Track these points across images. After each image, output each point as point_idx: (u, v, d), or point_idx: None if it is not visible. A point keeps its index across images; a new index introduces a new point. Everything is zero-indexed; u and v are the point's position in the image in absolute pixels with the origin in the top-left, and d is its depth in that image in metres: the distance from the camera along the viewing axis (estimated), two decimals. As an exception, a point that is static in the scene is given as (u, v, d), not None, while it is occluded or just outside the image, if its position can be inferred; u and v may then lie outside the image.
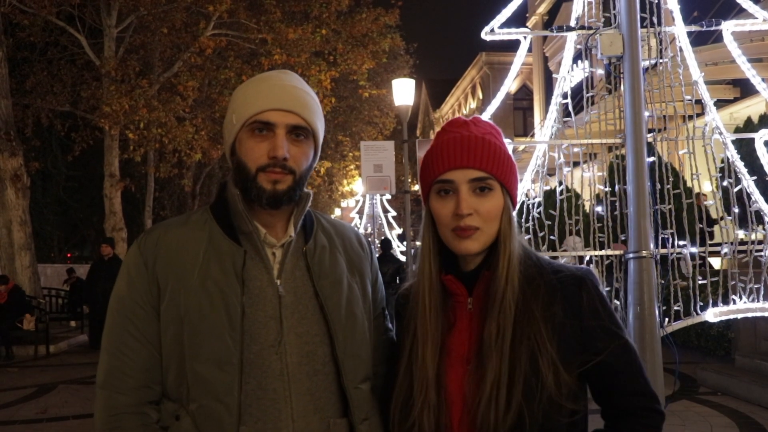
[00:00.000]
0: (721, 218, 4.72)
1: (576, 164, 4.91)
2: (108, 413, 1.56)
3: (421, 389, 1.56)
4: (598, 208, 4.58)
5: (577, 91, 4.76)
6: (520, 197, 4.54)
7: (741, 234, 4.64)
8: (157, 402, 1.59)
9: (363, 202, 28.43)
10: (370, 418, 1.66)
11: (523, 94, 32.44)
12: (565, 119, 4.79)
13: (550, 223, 4.57)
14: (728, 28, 4.68)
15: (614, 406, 1.57)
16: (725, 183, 4.55)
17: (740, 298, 4.51)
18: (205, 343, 1.53)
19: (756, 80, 4.75)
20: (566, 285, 1.54)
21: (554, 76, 4.93)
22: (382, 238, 18.18)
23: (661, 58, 4.40)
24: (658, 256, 4.03)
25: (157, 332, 1.59)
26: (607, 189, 4.61)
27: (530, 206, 4.71)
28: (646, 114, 3.81)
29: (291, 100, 1.61)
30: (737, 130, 10.63)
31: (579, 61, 4.86)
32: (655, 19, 4.34)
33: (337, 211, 30.99)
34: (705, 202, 4.84)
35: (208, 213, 1.68)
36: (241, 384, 1.52)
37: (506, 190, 1.59)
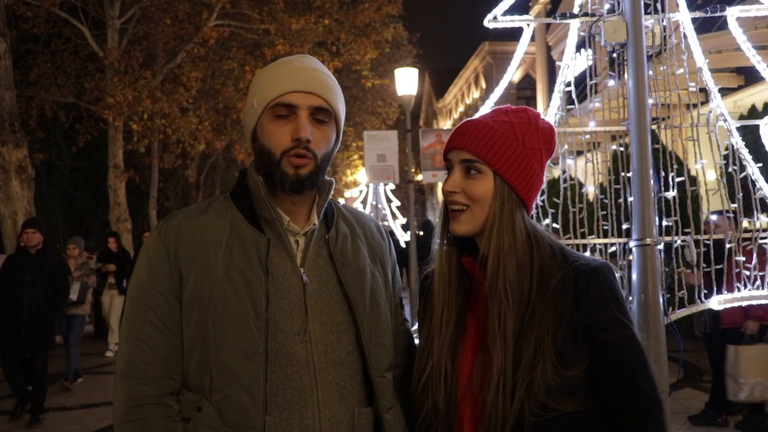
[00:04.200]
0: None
1: (579, 152, 4.90)
2: (129, 404, 1.53)
3: (431, 359, 1.60)
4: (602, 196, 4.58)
5: (580, 80, 4.75)
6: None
7: (745, 221, 4.63)
8: (177, 393, 1.57)
9: (367, 191, 28.40)
10: (394, 407, 1.65)
11: (527, 84, 32.33)
12: (569, 107, 4.78)
13: (553, 211, 4.57)
14: (733, 13, 4.66)
15: (613, 403, 1.50)
16: (730, 170, 4.54)
17: (745, 285, 4.51)
18: (230, 332, 1.50)
19: (761, 67, 4.73)
20: (578, 275, 1.53)
21: (557, 64, 4.92)
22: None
23: (665, 45, 4.39)
24: (662, 244, 4.03)
25: (178, 321, 1.56)
26: (610, 177, 4.60)
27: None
28: (650, 101, 3.79)
29: (313, 81, 1.60)
30: (741, 118, 10.59)
31: (582, 49, 4.84)
32: (659, 6, 4.32)
33: (341, 201, 30.97)
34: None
35: (228, 200, 1.67)
36: (266, 373, 1.50)
37: (501, 178, 1.57)
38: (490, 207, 1.57)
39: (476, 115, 1.71)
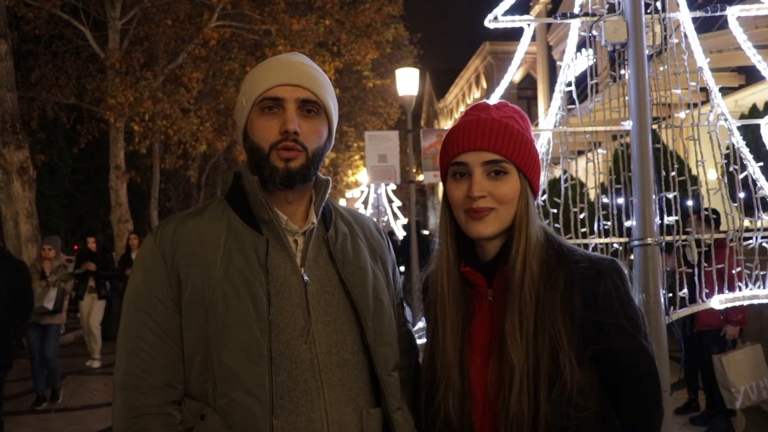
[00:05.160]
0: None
1: (580, 152, 4.90)
2: (130, 414, 1.48)
3: (443, 372, 1.56)
4: (604, 199, 4.58)
5: (581, 79, 4.75)
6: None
7: (746, 221, 4.62)
8: (179, 402, 1.52)
9: (368, 192, 28.41)
10: (402, 407, 1.62)
11: (528, 84, 32.30)
12: (570, 107, 4.78)
13: (555, 211, 4.57)
14: (734, 13, 4.65)
15: (619, 410, 1.55)
16: (731, 169, 4.54)
17: (746, 285, 4.50)
18: (232, 334, 1.47)
19: (761, 66, 4.72)
20: (585, 276, 1.50)
21: (558, 63, 4.92)
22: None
23: (665, 44, 4.38)
24: (663, 243, 4.02)
25: (177, 327, 1.52)
26: (611, 176, 4.60)
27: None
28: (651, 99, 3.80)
29: (299, 74, 1.58)
30: (742, 117, 10.58)
31: (583, 49, 4.84)
32: (659, 5, 4.32)
33: (342, 202, 31.00)
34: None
35: (224, 203, 1.64)
36: (271, 376, 1.47)
37: (524, 175, 1.56)
38: (516, 206, 1.55)
39: (458, 116, 1.67)
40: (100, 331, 10.52)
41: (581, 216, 4.47)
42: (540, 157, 4.71)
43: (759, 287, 4.51)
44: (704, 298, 4.43)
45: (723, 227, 4.74)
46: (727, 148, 4.61)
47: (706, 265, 4.36)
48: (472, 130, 1.56)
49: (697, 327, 6.21)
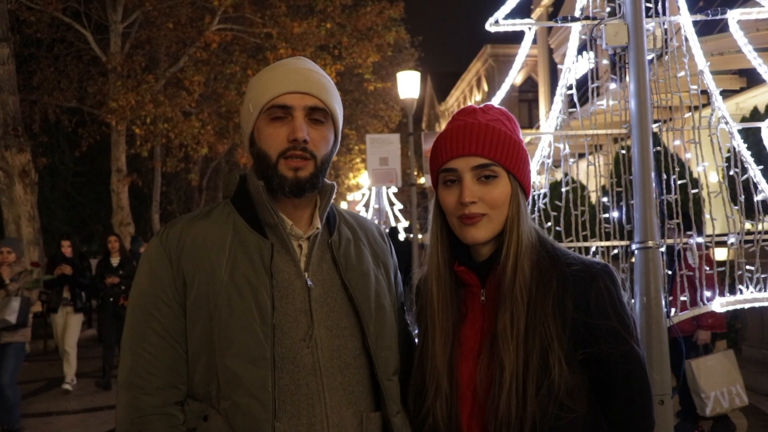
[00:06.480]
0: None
1: (581, 155, 4.90)
2: (133, 414, 1.51)
3: (432, 379, 1.57)
4: (605, 199, 4.58)
5: (582, 82, 4.75)
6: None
7: (747, 224, 4.62)
8: (182, 403, 1.54)
9: (369, 195, 28.42)
10: (402, 411, 1.63)
11: (529, 86, 32.32)
12: (571, 110, 4.78)
13: (555, 214, 4.57)
14: (734, 16, 4.66)
15: (611, 409, 1.55)
16: (731, 172, 4.54)
17: (747, 287, 4.50)
18: (236, 338, 1.48)
19: (762, 69, 4.72)
20: (577, 279, 1.51)
21: (559, 67, 4.92)
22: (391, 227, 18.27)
23: (666, 48, 4.39)
24: (664, 246, 4.02)
25: (182, 329, 1.54)
26: (612, 179, 4.60)
27: (536, 198, 4.71)
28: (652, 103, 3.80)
29: (307, 82, 1.58)
30: (743, 120, 10.58)
31: (584, 52, 4.84)
32: (660, 9, 4.32)
33: (344, 205, 31.00)
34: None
35: (229, 206, 1.65)
36: (274, 379, 1.48)
37: (514, 177, 1.56)
38: (508, 209, 1.56)
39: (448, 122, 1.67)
40: (76, 352, 9.13)
41: (582, 219, 4.48)
42: (541, 160, 4.74)
43: (760, 290, 4.51)
44: (705, 301, 4.43)
45: (723, 230, 4.73)
46: (728, 151, 4.61)
47: (707, 269, 4.36)
48: (460, 136, 1.57)
49: (671, 333, 6.13)
